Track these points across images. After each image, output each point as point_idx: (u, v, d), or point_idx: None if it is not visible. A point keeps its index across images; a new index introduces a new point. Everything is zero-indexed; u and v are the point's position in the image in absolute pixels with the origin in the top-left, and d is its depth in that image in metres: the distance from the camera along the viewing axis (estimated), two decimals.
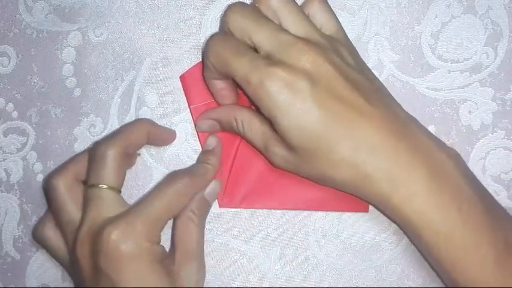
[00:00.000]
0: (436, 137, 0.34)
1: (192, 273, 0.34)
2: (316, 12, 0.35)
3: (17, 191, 0.40)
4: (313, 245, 0.38)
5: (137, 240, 0.32)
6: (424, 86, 0.38)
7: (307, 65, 0.32)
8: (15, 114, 0.41)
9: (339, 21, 0.36)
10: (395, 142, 0.32)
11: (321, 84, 0.32)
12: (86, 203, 0.34)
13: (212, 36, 0.35)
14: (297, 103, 0.32)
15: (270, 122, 0.33)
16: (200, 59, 0.39)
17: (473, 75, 0.38)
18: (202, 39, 0.39)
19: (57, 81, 0.40)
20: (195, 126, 0.39)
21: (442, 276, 0.34)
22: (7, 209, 0.40)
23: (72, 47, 0.40)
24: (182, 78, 0.39)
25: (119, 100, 0.40)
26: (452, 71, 0.38)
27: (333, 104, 0.32)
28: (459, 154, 0.34)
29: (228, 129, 0.37)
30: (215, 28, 0.39)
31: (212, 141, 0.38)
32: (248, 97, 0.34)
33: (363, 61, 0.36)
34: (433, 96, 0.38)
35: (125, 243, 0.32)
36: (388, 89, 0.36)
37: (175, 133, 0.39)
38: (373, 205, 0.36)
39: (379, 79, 0.36)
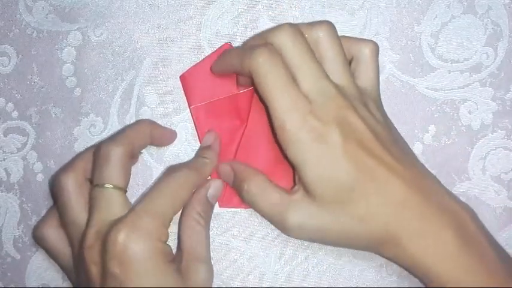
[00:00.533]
0: (455, 195, 0.34)
1: (201, 275, 0.34)
2: (363, 62, 0.35)
3: (17, 191, 0.40)
4: (313, 245, 0.38)
5: (147, 239, 0.32)
6: (424, 86, 0.38)
7: (341, 119, 0.32)
8: (15, 114, 0.41)
9: (379, 76, 0.36)
10: (424, 201, 0.32)
11: (352, 138, 0.32)
12: (91, 204, 0.34)
13: (259, 49, 0.33)
14: (327, 154, 0.32)
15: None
16: (200, 59, 0.39)
17: (473, 75, 0.38)
18: (202, 39, 0.39)
19: (57, 81, 0.40)
20: (196, 127, 0.39)
21: None
22: (7, 209, 0.40)
23: (72, 47, 0.40)
24: (182, 78, 0.39)
25: (119, 100, 0.40)
26: (452, 71, 0.38)
27: (363, 158, 0.32)
28: (473, 210, 0.34)
29: (235, 187, 0.37)
30: (215, 28, 0.39)
31: (210, 138, 0.38)
32: (277, 137, 0.33)
33: (386, 115, 0.36)
34: (433, 96, 0.38)
35: (134, 244, 0.31)
36: (388, 89, 0.36)
37: (176, 133, 0.39)
38: (397, 263, 0.34)
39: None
